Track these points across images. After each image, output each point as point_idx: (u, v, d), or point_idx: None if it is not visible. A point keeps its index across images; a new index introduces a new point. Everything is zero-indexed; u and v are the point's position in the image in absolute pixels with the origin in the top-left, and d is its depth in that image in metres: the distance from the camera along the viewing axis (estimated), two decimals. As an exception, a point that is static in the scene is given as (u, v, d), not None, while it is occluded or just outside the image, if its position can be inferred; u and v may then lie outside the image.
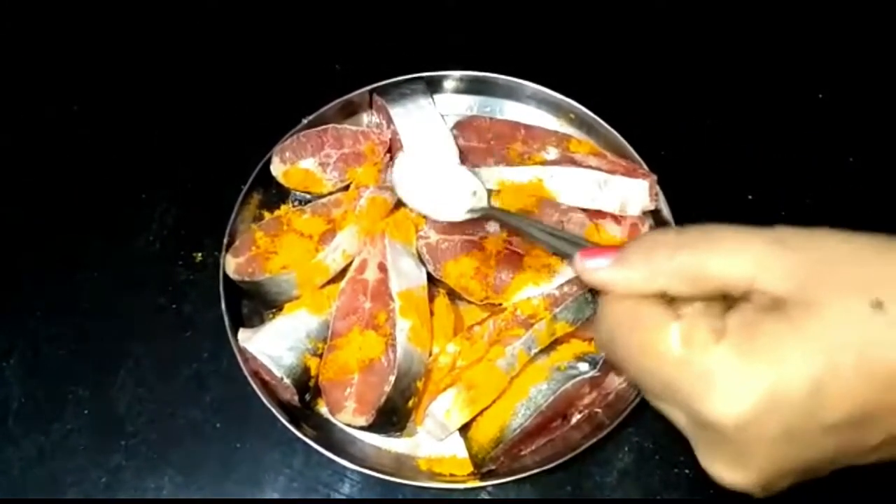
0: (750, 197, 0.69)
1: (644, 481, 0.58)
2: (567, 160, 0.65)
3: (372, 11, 0.81)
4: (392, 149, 0.68)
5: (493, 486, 0.57)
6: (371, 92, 0.70)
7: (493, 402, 0.54)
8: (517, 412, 0.53)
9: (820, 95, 0.75)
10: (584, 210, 0.63)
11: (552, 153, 0.67)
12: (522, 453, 0.57)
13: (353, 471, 0.58)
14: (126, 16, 0.83)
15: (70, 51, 0.82)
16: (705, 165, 0.70)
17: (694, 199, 0.65)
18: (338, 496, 0.58)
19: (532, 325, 0.55)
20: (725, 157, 0.71)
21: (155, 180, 0.72)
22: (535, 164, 0.65)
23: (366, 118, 0.72)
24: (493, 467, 0.55)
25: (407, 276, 0.59)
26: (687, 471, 0.58)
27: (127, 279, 0.67)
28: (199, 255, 0.68)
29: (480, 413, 0.55)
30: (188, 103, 0.77)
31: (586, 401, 0.57)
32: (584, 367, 0.55)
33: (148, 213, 0.71)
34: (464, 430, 0.56)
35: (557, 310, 0.56)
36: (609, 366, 0.56)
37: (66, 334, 0.65)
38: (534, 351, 0.55)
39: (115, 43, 0.82)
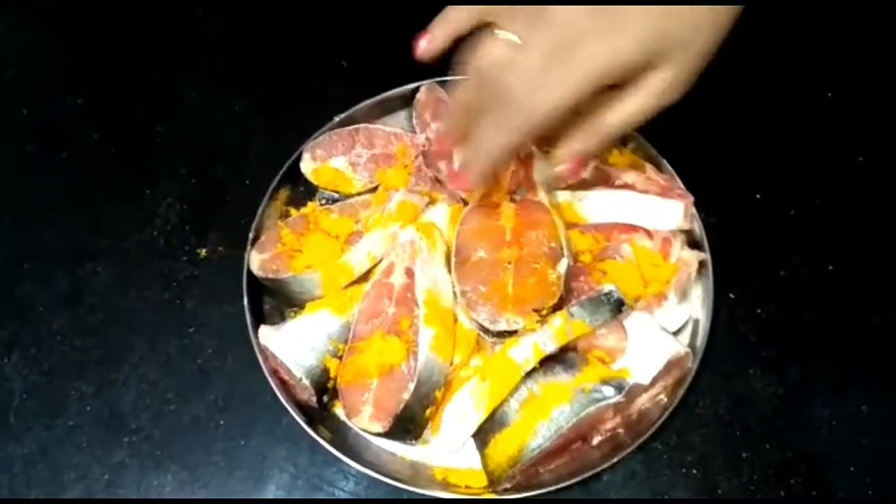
0: (758, 196, 0.69)
1: (652, 481, 0.57)
2: (601, 177, 0.64)
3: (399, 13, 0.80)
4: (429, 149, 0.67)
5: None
6: (415, 90, 0.69)
7: (512, 422, 0.54)
8: (537, 433, 0.52)
9: (829, 94, 0.74)
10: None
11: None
12: (540, 472, 0.56)
13: (358, 469, 0.58)
14: (135, 9, 0.83)
15: (75, 42, 0.81)
16: (713, 164, 0.70)
17: (701, 198, 0.65)
18: (342, 494, 0.58)
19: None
20: (733, 156, 0.71)
21: (159, 176, 0.72)
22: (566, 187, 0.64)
23: (403, 114, 0.71)
24: (508, 486, 0.54)
25: (434, 284, 0.58)
26: (695, 471, 0.58)
27: (130, 274, 0.67)
28: (204, 250, 0.68)
29: (499, 432, 0.54)
30: (191, 95, 0.77)
31: (609, 425, 0.56)
32: (609, 391, 0.53)
33: (152, 209, 0.70)
34: (481, 447, 0.55)
35: (572, 305, 0.55)
36: (635, 393, 0.55)
37: (69, 329, 0.65)
38: (549, 348, 0.54)
39: (121, 36, 0.82)
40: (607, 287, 0.56)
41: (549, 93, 0.44)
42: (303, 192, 0.68)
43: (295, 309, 0.62)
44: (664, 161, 0.65)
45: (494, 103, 0.46)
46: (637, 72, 0.45)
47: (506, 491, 0.54)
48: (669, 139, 0.69)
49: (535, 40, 0.44)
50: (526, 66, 0.44)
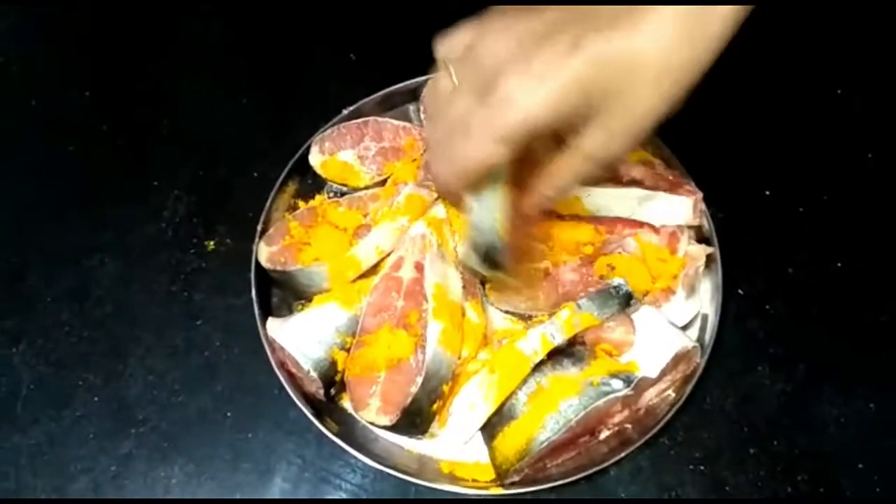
0: (767, 192, 0.69)
1: (658, 477, 0.57)
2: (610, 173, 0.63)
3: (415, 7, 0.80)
4: None
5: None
6: (422, 83, 0.69)
7: (521, 415, 0.54)
8: (545, 425, 0.52)
9: (839, 91, 0.74)
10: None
11: None
12: (547, 466, 0.56)
13: (365, 462, 0.58)
14: (138, 5, 0.83)
15: (83, 35, 0.81)
16: (722, 160, 0.70)
17: (711, 194, 0.65)
18: (349, 487, 0.58)
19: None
20: (743, 152, 0.71)
21: (167, 168, 0.72)
22: None
23: (412, 108, 0.71)
24: (516, 479, 0.54)
25: (443, 278, 0.58)
26: (702, 467, 0.57)
27: (138, 267, 0.67)
28: (211, 243, 0.68)
29: (507, 424, 0.54)
30: (198, 89, 0.77)
31: (617, 419, 0.56)
32: (617, 384, 0.53)
33: (160, 201, 0.70)
34: (489, 440, 0.55)
35: (581, 297, 0.55)
36: (643, 387, 0.55)
37: (77, 321, 0.65)
38: (557, 340, 0.54)
39: (130, 29, 0.82)
40: (616, 280, 0.56)
41: (473, 149, 0.41)
42: (311, 184, 0.68)
43: (303, 302, 0.62)
44: (674, 157, 0.65)
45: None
46: (573, 122, 0.41)
47: (513, 485, 0.54)
48: (679, 135, 0.69)
49: (463, 84, 0.42)
50: (453, 115, 0.42)
